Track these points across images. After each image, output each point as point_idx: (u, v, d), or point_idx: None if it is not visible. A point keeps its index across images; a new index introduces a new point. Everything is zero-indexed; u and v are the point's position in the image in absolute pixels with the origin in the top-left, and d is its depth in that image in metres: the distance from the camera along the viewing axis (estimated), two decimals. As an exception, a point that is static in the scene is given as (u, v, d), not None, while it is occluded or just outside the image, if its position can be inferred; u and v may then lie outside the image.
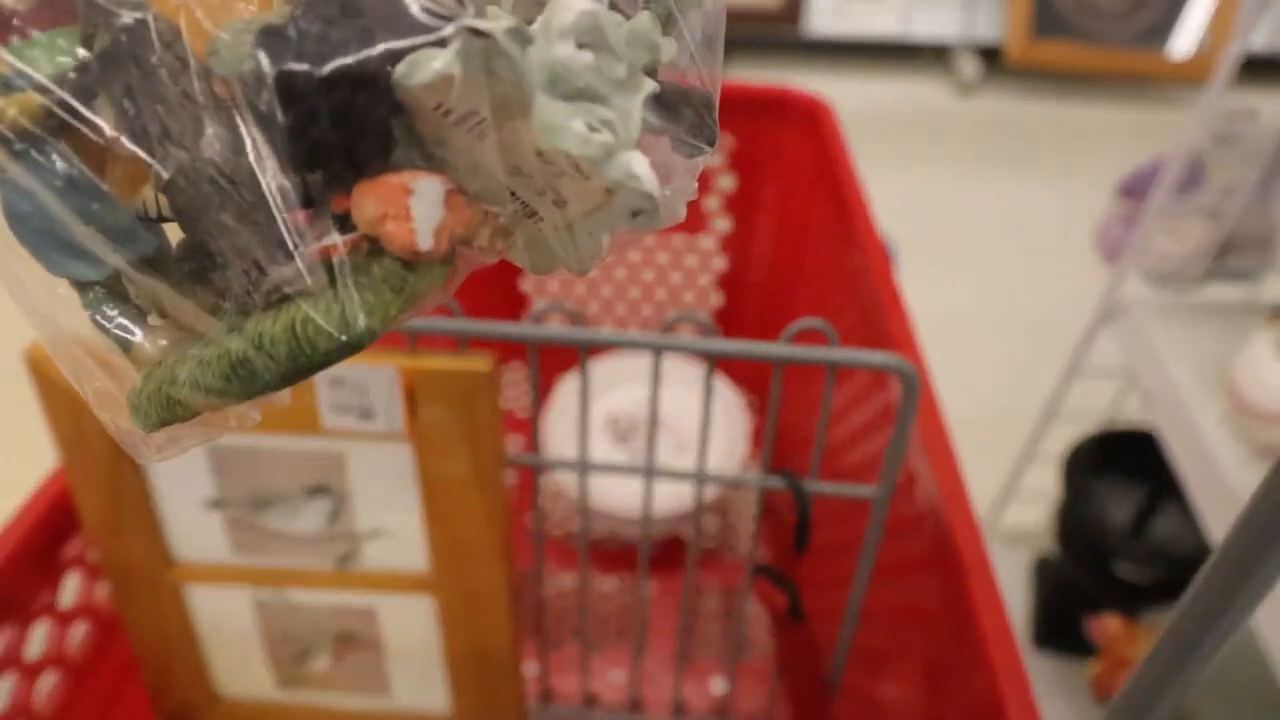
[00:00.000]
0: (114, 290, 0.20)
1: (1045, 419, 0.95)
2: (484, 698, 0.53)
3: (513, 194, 0.19)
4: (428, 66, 0.16)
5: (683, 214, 0.20)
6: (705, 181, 0.82)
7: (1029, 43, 2.16)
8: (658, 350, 0.43)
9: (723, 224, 0.85)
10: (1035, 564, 0.99)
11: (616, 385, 0.86)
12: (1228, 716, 0.75)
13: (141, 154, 0.18)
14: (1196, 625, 0.28)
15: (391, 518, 0.48)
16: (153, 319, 0.20)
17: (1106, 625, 0.84)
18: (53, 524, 0.47)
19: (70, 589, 0.49)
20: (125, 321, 0.20)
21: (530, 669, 0.62)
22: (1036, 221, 1.76)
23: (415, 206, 0.18)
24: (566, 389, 0.84)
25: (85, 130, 0.18)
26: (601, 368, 0.86)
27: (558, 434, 0.81)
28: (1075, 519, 0.90)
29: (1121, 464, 0.93)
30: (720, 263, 0.87)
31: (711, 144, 0.20)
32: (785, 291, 0.84)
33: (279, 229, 0.17)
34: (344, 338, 0.18)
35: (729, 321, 0.90)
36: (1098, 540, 0.86)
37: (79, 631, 0.50)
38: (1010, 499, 1.03)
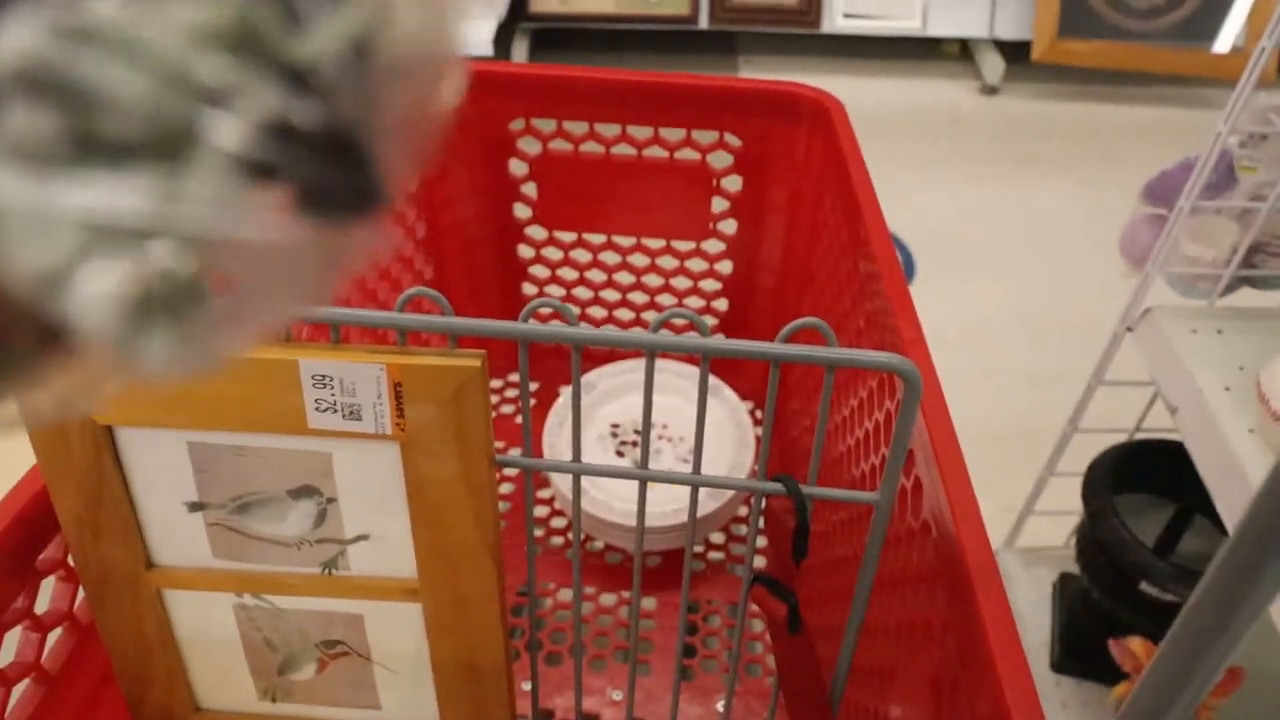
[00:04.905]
0: None
1: (1068, 431, 0.92)
2: (474, 708, 0.51)
3: None
4: None
5: None
6: (711, 183, 0.80)
7: (1056, 39, 2.10)
8: (651, 350, 0.41)
9: (729, 227, 0.83)
10: (1057, 583, 0.96)
11: (620, 395, 0.84)
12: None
13: None
14: (1203, 627, 0.28)
15: (378, 521, 0.47)
16: None
17: (1130, 647, 0.80)
18: (29, 526, 0.45)
19: (47, 594, 0.47)
20: None
21: (529, 685, 0.60)
22: (1061, 225, 1.72)
23: None
24: (567, 399, 0.83)
25: None
26: (605, 377, 0.85)
27: (559, 444, 0.79)
28: (1098, 536, 0.87)
29: (1148, 478, 0.90)
30: (727, 267, 0.85)
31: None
32: (793, 297, 0.82)
33: None
34: None
35: (735, 327, 0.88)
36: (1122, 558, 0.82)
37: (56, 639, 0.48)
38: (1032, 515, 1.00)
